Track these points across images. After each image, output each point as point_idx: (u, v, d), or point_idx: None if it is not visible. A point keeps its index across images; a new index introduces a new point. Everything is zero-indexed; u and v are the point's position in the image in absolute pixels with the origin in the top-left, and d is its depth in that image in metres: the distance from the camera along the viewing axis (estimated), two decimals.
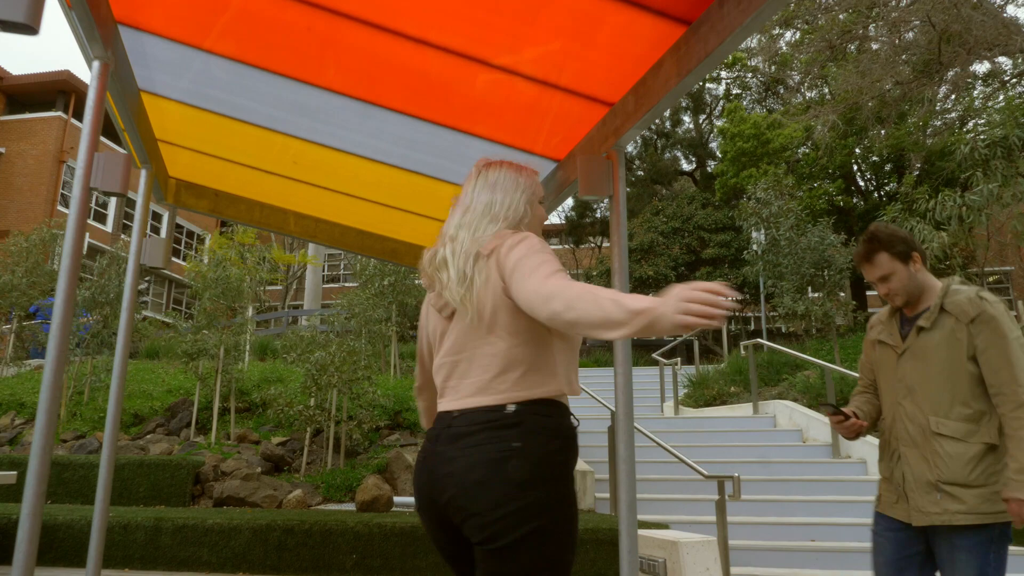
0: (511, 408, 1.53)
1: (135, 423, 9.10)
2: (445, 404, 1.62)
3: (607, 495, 6.29)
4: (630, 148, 24.91)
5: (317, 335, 7.90)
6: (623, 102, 3.48)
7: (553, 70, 3.15)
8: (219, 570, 5.43)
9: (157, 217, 30.58)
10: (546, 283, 1.43)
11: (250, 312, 11.16)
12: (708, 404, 9.57)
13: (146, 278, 27.07)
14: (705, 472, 4.91)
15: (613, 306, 1.32)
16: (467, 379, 1.59)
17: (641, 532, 4.94)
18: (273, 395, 8.38)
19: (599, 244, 28.45)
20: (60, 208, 24.86)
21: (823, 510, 6.10)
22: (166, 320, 17.17)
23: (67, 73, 24.60)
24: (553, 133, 4.19)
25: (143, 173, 5.61)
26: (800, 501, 6.17)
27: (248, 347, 11.14)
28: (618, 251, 4.01)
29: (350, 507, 6.85)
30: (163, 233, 30.55)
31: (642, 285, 18.31)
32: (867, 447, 6.85)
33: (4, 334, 12.12)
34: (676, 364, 9.80)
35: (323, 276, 18.45)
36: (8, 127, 24.87)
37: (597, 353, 18.24)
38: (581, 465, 6.45)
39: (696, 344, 12.36)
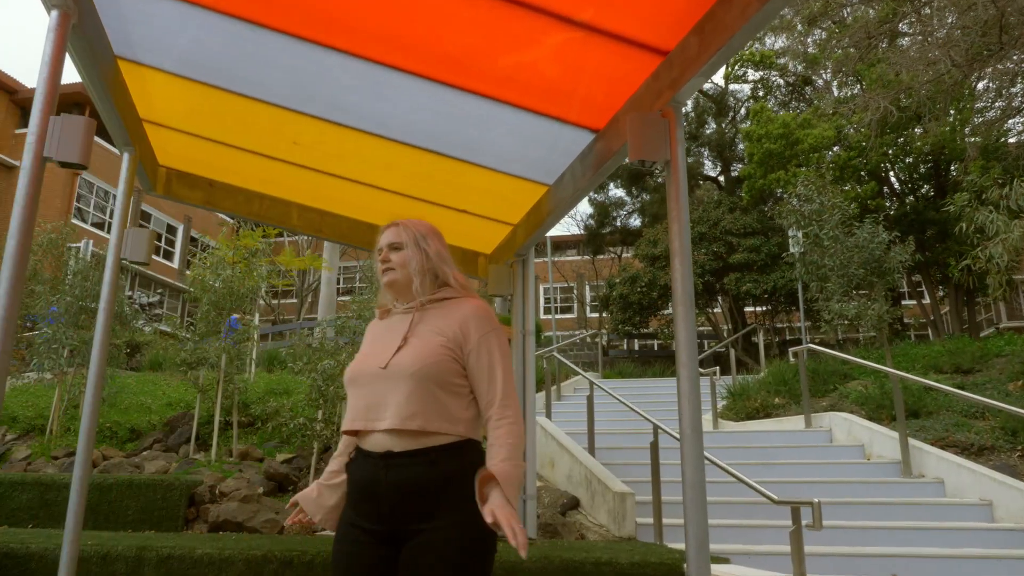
0: None
1: (131, 438, 8.47)
2: None
3: (650, 520, 5.54)
4: None
5: (326, 343, 7.24)
6: (682, 47, 2.80)
7: (596, 14, 2.52)
8: None
9: (172, 230, 30.25)
10: None
11: (256, 320, 10.53)
12: (751, 417, 8.79)
13: (158, 291, 26.64)
14: (775, 496, 4.16)
15: None
16: None
17: None
18: (274, 408, 7.71)
19: (619, 254, 27.70)
20: (75, 221, 24.51)
21: (900, 538, 5.31)
22: (172, 332, 16.61)
23: (81, 85, 24.37)
24: (591, 95, 3.49)
25: (125, 158, 4.95)
26: (873, 528, 5.38)
27: (253, 357, 10.50)
28: (678, 228, 3.26)
29: None
30: (177, 247, 30.20)
31: (667, 294, 17.54)
32: (944, 464, 6.05)
33: None
34: (715, 373, 9.03)
35: (337, 289, 17.91)
36: (22, 140, 24.65)
37: (621, 364, 17.47)
38: (619, 486, 5.71)
39: (732, 353, 11.58)
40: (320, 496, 1.96)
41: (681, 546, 5.16)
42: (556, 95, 3.39)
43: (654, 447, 5.50)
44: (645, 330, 18.92)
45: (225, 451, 7.90)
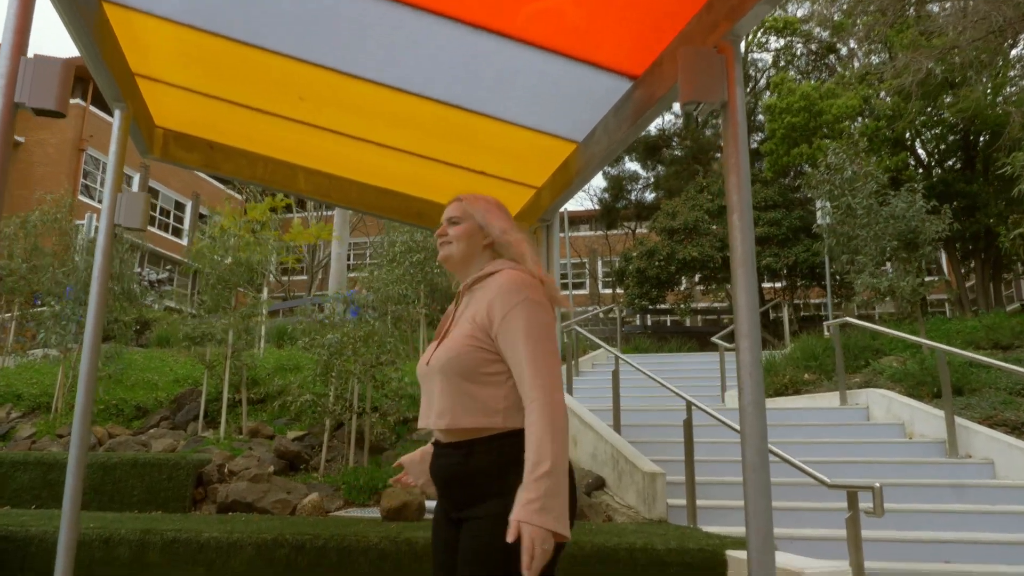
0: None
1: (138, 416, 8.22)
2: None
3: (681, 501, 5.22)
4: (668, 122, 23.63)
5: (334, 317, 6.92)
6: None
7: None
8: None
9: (180, 207, 30.01)
10: None
11: (264, 295, 10.24)
12: (779, 393, 8.43)
13: (168, 267, 26.46)
14: (827, 479, 3.82)
15: None
16: None
17: (740, 554, 3.87)
18: (282, 384, 7.43)
19: (633, 229, 27.21)
20: (82, 198, 24.27)
21: (949, 522, 4.98)
22: (176, 307, 16.36)
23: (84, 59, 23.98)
24: (630, 35, 3.09)
25: (116, 116, 4.60)
26: (920, 511, 5.05)
27: (263, 333, 10.23)
28: (737, 179, 2.87)
29: (374, 513, 5.87)
30: (186, 224, 29.96)
31: (686, 268, 17.13)
32: (994, 444, 5.70)
33: (6, 323, 11.35)
34: None
35: (348, 265, 17.63)
36: (26, 116, 24.30)
37: (636, 340, 17.12)
38: (649, 466, 5.39)
39: (758, 328, 11.18)
40: (423, 461, 1.99)
41: (717, 529, 4.84)
42: (589, 35, 3.00)
43: (687, 425, 5.17)
44: (662, 305, 18.53)
45: (234, 428, 7.64)
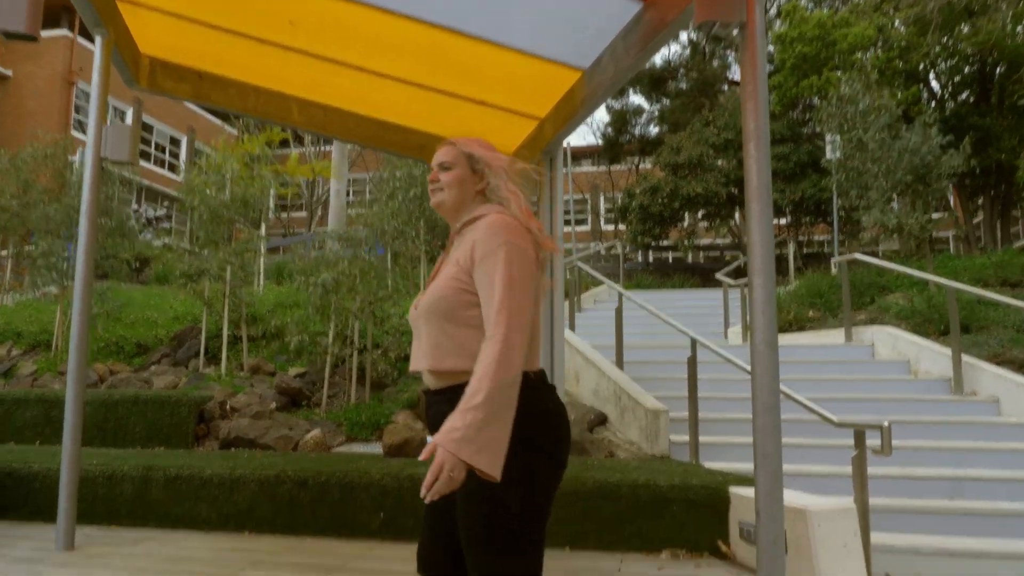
0: None
1: (138, 353, 8.20)
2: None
3: (683, 438, 5.21)
4: (674, 53, 22.95)
5: (329, 254, 6.80)
6: None
7: None
8: (220, 528, 4.49)
9: (176, 142, 29.51)
10: None
11: (263, 231, 10.10)
12: (783, 331, 8.37)
13: (165, 204, 26.20)
14: (833, 417, 3.76)
15: None
16: None
17: (743, 491, 3.85)
18: (281, 322, 7.36)
19: (636, 164, 26.80)
20: (74, 133, 23.83)
21: (953, 460, 4.96)
22: (170, 244, 16.17)
23: None
24: None
25: (97, 43, 4.36)
26: (925, 449, 5.03)
27: (262, 269, 10.12)
28: (754, 106, 2.73)
29: (376, 449, 5.87)
30: (182, 160, 29.50)
31: (689, 204, 16.90)
32: (1000, 382, 5.65)
33: (2, 261, 11.24)
34: (747, 285, 8.54)
35: (347, 202, 17.30)
36: (13, 49, 23.64)
37: (638, 277, 17.03)
38: (652, 403, 5.36)
39: None
40: None
41: (720, 465, 4.83)
42: None
43: (691, 362, 5.11)
44: (665, 242, 18.38)
45: (236, 365, 7.62)
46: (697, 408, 5.01)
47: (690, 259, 21.27)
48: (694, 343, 5.15)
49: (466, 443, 1.39)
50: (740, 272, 13.62)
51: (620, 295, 6.76)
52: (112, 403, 6.12)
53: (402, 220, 8.81)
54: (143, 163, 29.95)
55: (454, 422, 1.43)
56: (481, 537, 1.54)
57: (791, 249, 13.93)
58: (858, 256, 7.32)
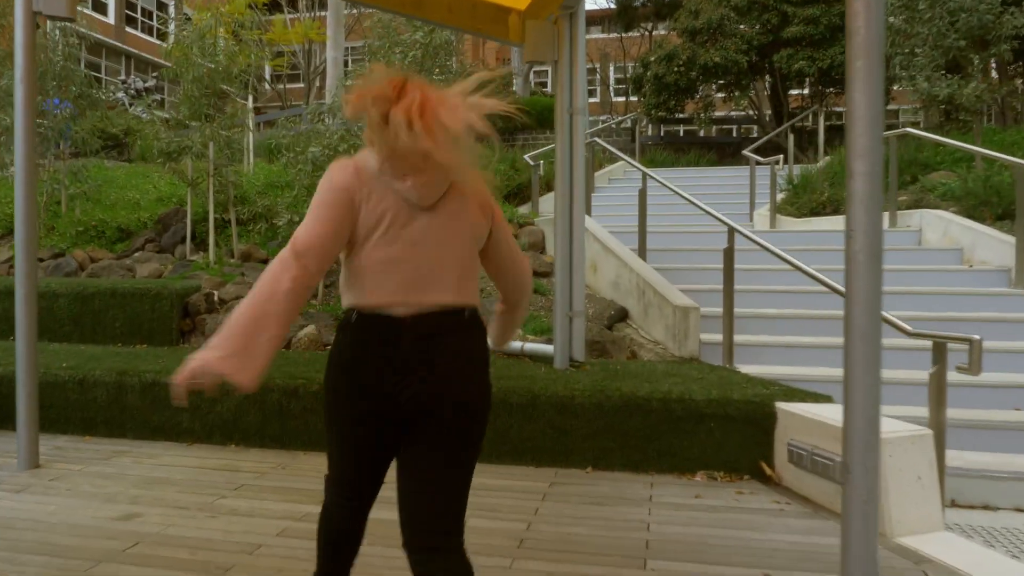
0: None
1: (121, 238, 7.63)
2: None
3: (715, 337, 4.71)
4: None
5: (319, 126, 6.07)
6: None
7: None
8: (204, 440, 4.09)
9: (163, 7, 27.61)
10: None
11: (250, 103, 9.25)
12: (816, 213, 7.71)
13: (153, 74, 24.81)
14: (908, 327, 3.21)
15: None
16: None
17: (793, 407, 3.37)
18: (270, 203, 6.74)
19: (650, 29, 25.00)
20: None
21: (1018, 364, 4.46)
22: (149, 116, 15.21)
23: None
24: None
25: None
26: (984, 351, 4.51)
27: (251, 146, 9.36)
28: None
29: None
30: (172, 27, 27.66)
31: (707, 74, 15.69)
32: None
33: None
34: (777, 163, 7.82)
35: (345, 72, 16.13)
36: None
37: (652, 152, 16.12)
38: (681, 299, 4.81)
39: (791, 138, 10.22)
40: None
41: (754, 369, 4.36)
42: None
43: (728, 254, 4.51)
44: (681, 115, 17.28)
45: (225, 251, 7.06)
46: (732, 306, 4.47)
47: (702, 132, 20.18)
48: (732, 232, 4.53)
49: (211, 349, 1.47)
50: (766, 148, 12.78)
51: (644, 175, 6.07)
52: (88, 295, 5.62)
53: None
54: (129, 30, 28.16)
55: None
56: None
57: (821, 122, 12.95)
58: (909, 130, 6.54)
